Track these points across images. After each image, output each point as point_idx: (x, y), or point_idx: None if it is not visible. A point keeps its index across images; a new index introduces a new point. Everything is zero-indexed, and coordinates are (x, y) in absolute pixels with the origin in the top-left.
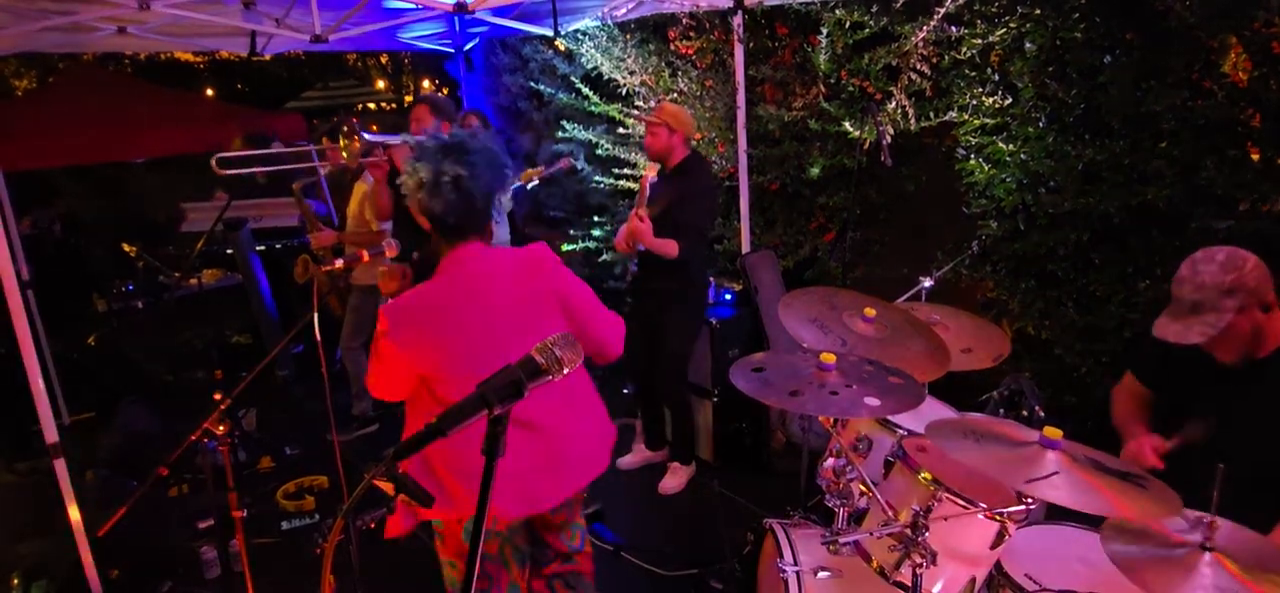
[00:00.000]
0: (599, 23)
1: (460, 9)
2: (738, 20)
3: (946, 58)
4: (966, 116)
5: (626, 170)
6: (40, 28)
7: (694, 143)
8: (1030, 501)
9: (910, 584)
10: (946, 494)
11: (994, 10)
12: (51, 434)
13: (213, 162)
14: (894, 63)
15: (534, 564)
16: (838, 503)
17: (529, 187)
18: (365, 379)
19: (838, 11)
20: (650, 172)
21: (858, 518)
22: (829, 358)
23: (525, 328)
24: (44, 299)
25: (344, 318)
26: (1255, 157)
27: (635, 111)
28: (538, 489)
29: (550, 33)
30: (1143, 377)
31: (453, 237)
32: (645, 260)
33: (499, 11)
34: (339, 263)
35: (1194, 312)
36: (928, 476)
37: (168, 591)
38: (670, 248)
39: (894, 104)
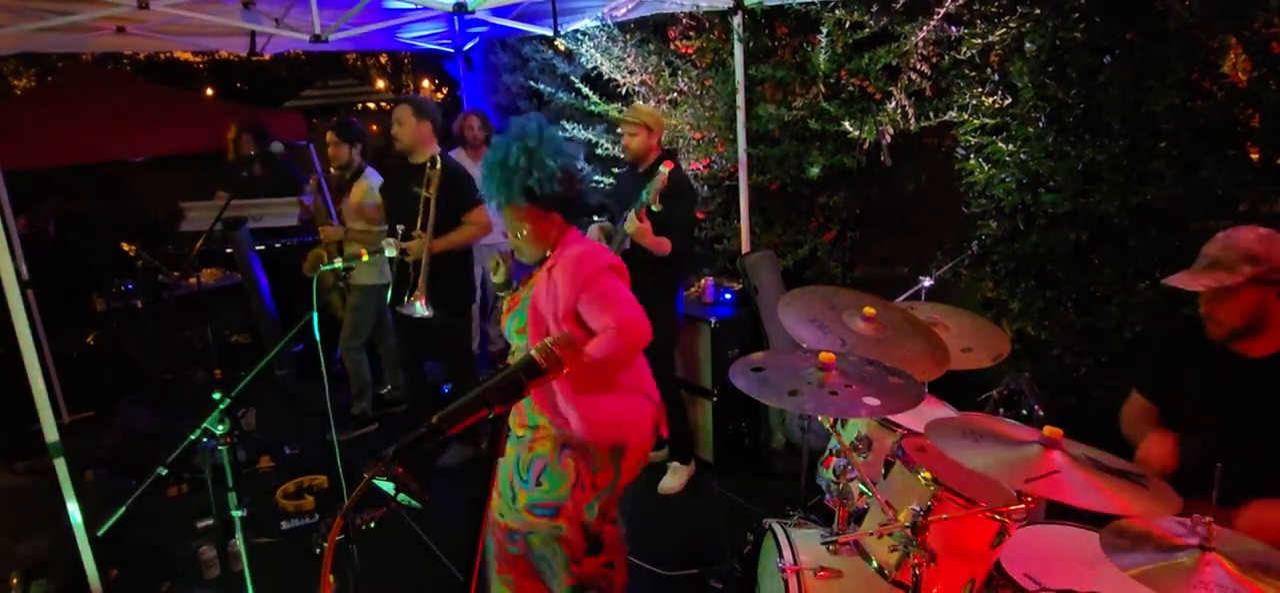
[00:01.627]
0: (599, 23)
1: (460, 9)
2: (738, 20)
3: (946, 58)
4: (966, 116)
5: (626, 170)
6: (39, 27)
7: (683, 143)
8: (1030, 500)
9: (910, 584)
10: (946, 494)
11: (994, 10)
12: (51, 434)
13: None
14: (894, 63)
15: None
16: (838, 503)
17: None
18: (621, 323)
19: (838, 11)
20: (664, 171)
21: (858, 518)
22: (828, 358)
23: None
24: (42, 298)
25: (344, 318)
26: (1255, 157)
27: (629, 111)
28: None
29: (550, 33)
30: (1143, 389)
31: (578, 216)
32: (629, 260)
33: (499, 11)
34: (338, 262)
35: (1211, 267)
36: (928, 475)
37: (167, 591)
38: (665, 245)
39: (894, 104)
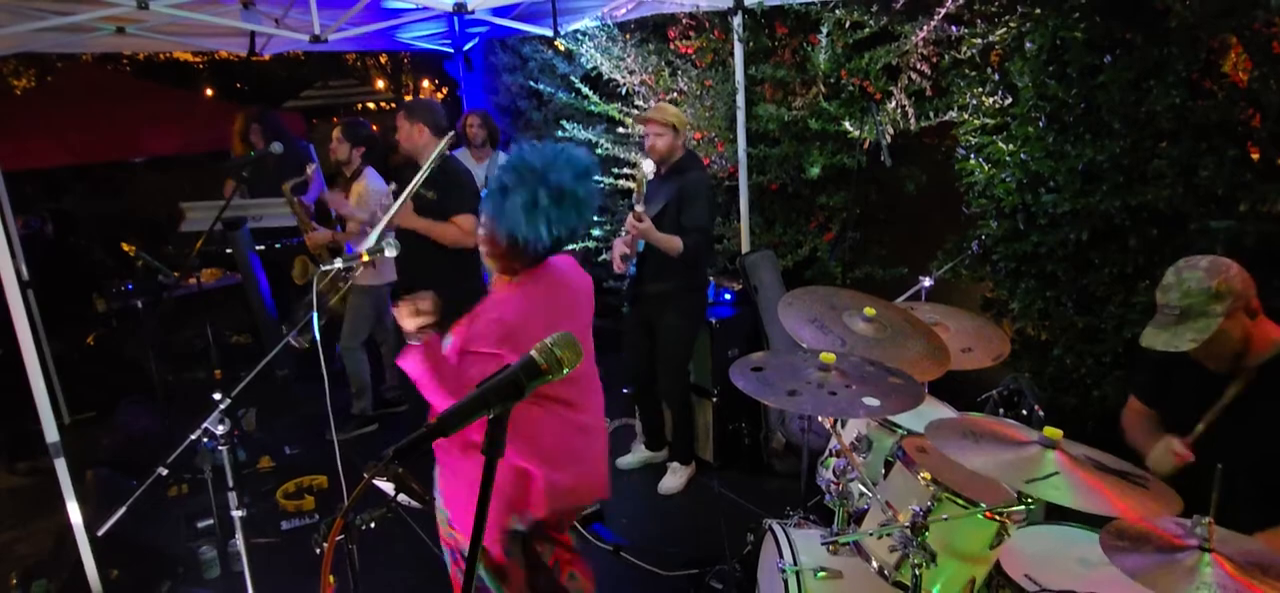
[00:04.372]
0: (599, 23)
1: (460, 9)
2: (738, 20)
3: (946, 58)
4: (966, 116)
5: (626, 170)
6: (39, 28)
7: (693, 142)
8: (1030, 500)
9: (910, 584)
10: (946, 494)
11: (994, 10)
12: (51, 434)
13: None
14: (894, 62)
15: (542, 570)
16: (838, 503)
17: None
18: (439, 392)
19: (838, 11)
20: (648, 170)
21: (858, 518)
22: (828, 358)
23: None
24: (42, 298)
25: (344, 318)
26: (1255, 157)
27: (635, 111)
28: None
29: (550, 33)
30: (1144, 397)
31: (548, 253)
32: (645, 262)
33: (499, 11)
34: (338, 263)
35: (1182, 319)
36: (928, 476)
37: (167, 591)
38: (675, 243)
39: (894, 104)
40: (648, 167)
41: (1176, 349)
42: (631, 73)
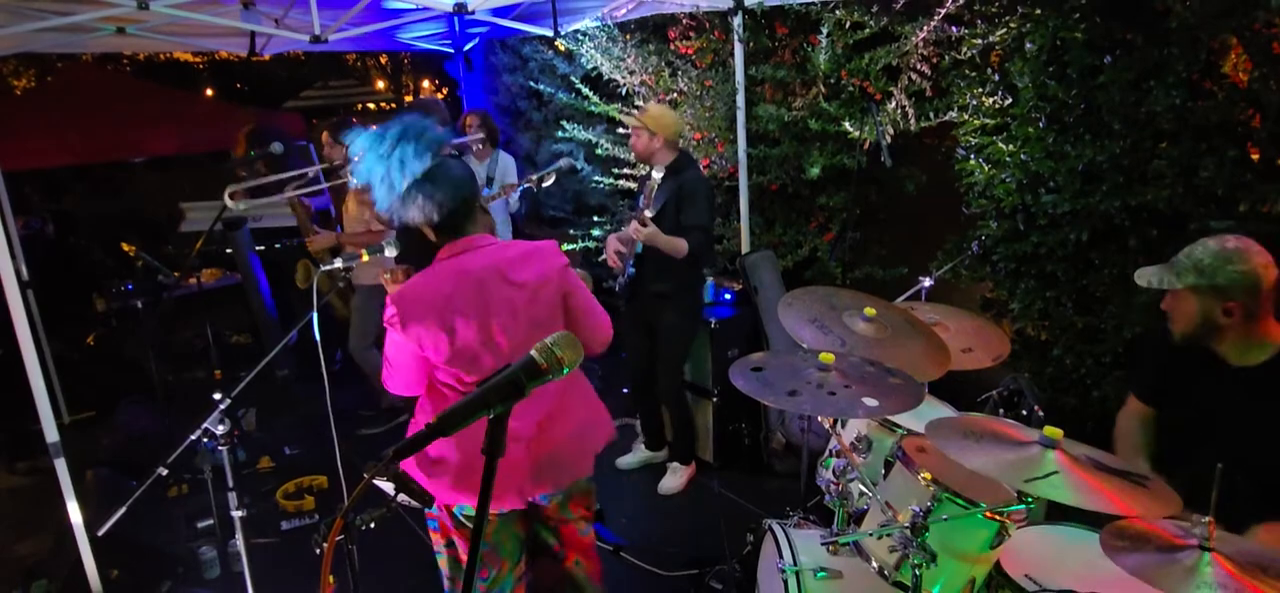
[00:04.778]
0: (599, 23)
1: (460, 9)
2: (738, 20)
3: (946, 58)
4: (966, 117)
5: (626, 170)
6: (39, 28)
7: (684, 143)
8: (1030, 500)
9: (910, 585)
10: (946, 494)
11: (994, 10)
12: (51, 434)
13: (227, 196)
14: (894, 63)
15: (547, 556)
16: (838, 503)
17: (537, 190)
18: (382, 379)
19: (838, 11)
20: (656, 176)
21: (858, 518)
22: (828, 358)
23: (533, 320)
24: (42, 298)
25: (349, 319)
26: (1255, 157)
27: (635, 112)
28: (517, 484)
29: (550, 33)
30: (1141, 394)
31: (445, 235)
32: (644, 262)
33: (499, 12)
34: (338, 262)
35: (1168, 267)
36: (928, 476)
37: (167, 591)
38: (681, 245)
39: (894, 104)
40: (656, 174)
41: (1139, 282)
42: (631, 73)
